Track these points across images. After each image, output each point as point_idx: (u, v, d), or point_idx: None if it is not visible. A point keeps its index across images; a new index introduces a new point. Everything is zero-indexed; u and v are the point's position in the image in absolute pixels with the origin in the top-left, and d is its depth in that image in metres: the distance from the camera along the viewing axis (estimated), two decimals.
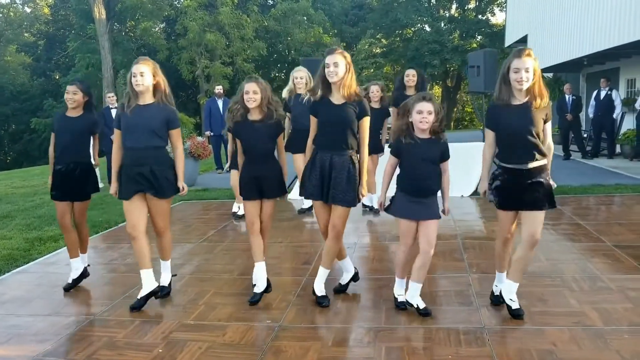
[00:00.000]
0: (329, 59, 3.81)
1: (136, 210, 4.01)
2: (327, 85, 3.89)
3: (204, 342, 3.48)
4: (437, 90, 37.44)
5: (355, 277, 4.37)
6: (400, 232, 3.78)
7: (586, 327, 3.44)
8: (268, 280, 4.27)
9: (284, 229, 6.55)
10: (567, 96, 12.77)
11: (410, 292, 3.77)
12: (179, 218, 7.61)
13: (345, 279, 4.33)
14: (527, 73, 3.37)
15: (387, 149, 7.09)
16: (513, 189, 3.53)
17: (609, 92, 12.10)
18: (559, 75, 17.37)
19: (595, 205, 7.29)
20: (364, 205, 7.24)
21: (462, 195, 8.11)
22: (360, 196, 3.97)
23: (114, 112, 10.46)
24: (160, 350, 3.38)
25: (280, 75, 35.96)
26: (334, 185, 3.85)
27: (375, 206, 7.04)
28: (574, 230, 5.86)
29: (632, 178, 9.21)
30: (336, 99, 3.89)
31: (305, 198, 4.14)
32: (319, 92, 3.93)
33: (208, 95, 26.25)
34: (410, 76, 6.98)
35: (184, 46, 28.80)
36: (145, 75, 3.92)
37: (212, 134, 11.59)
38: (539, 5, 15.94)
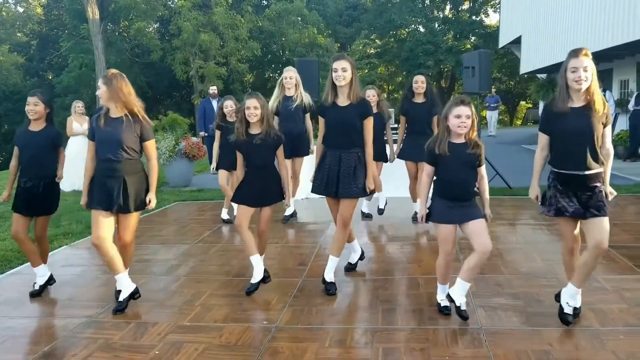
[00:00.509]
0: (336, 64, 4.12)
1: (104, 221, 3.98)
2: (333, 89, 4.21)
3: (201, 343, 3.47)
4: None
5: (361, 256, 4.88)
6: (440, 239, 3.66)
7: (582, 327, 3.45)
8: (267, 271, 4.51)
9: (280, 230, 6.54)
10: None
11: (457, 289, 3.66)
12: (175, 219, 7.59)
13: (354, 258, 4.84)
14: (585, 72, 3.25)
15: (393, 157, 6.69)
16: (567, 196, 3.39)
17: (602, 93, 12.15)
18: (552, 76, 17.44)
19: None
20: (363, 213, 7.00)
21: None
22: (368, 190, 4.26)
23: None
24: (156, 352, 3.36)
25: (274, 76, 35.95)
26: (341, 180, 4.20)
27: (365, 211, 6.97)
28: None
29: (626, 178, 9.27)
30: (341, 101, 4.22)
31: (315, 193, 4.44)
32: (330, 97, 4.23)
33: (202, 95, 26.22)
34: (419, 82, 6.36)
35: (178, 46, 28.73)
36: (100, 88, 3.95)
37: (206, 134, 11.55)
38: (532, 7, 16.01)
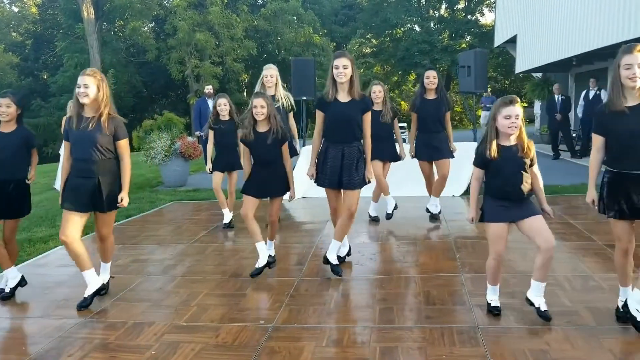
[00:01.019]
0: (337, 62, 4.33)
1: (74, 219, 4.01)
2: (334, 85, 4.41)
3: (197, 343, 3.45)
4: None
5: (349, 252, 5.04)
6: (490, 239, 3.56)
7: (579, 326, 3.45)
8: (273, 257, 4.89)
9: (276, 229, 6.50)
10: (556, 96, 12.86)
11: (532, 291, 3.58)
12: (170, 219, 7.57)
13: (343, 251, 4.92)
14: None
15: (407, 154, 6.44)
16: (626, 196, 3.26)
17: (597, 92, 12.19)
18: (548, 75, 17.47)
19: (585, 204, 7.23)
20: (370, 217, 6.75)
21: (453, 195, 8.13)
22: (367, 180, 4.53)
23: None
24: (153, 352, 3.35)
25: None
26: (344, 172, 4.44)
27: (372, 214, 6.66)
28: (565, 230, 5.89)
29: None
30: (342, 97, 4.44)
31: (320, 186, 4.64)
32: (331, 93, 4.43)
33: (198, 95, 26.17)
34: (431, 78, 6.10)
35: (173, 46, 28.65)
36: (90, 88, 3.94)
37: (202, 134, 11.52)
38: (528, 6, 16.02)
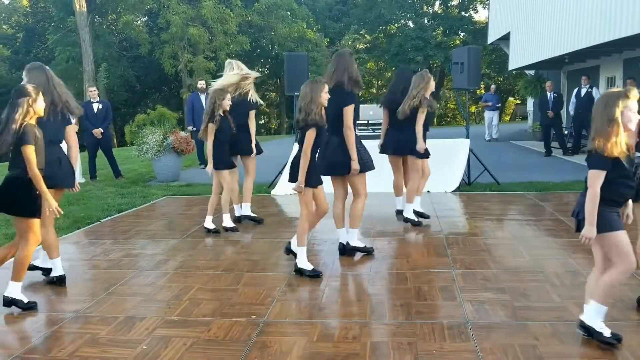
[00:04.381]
0: None
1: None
2: None
3: (189, 338, 3.46)
4: None
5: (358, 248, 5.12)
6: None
7: (568, 321, 3.48)
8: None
9: (268, 225, 6.53)
10: (548, 93, 12.91)
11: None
12: (163, 213, 7.55)
13: (351, 240, 5.10)
14: None
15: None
16: None
17: (589, 90, 12.26)
18: (540, 72, 17.53)
19: (576, 201, 7.35)
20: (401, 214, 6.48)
21: (445, 191, 8.15)
22: (353, 171, 4.82)
23: (95, 107, 10.35)
24: (144, 347, 3.35)
25: (263, 70, 35.84)
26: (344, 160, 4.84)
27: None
28: (555, 226, 5.93)
29: None
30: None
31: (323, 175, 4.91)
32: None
33: (191, 90, 26.07)
34: None
35: (166, 40, 28.56)
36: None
37: (195, 128, 11.48)
38: (521, 3, 16.06)
